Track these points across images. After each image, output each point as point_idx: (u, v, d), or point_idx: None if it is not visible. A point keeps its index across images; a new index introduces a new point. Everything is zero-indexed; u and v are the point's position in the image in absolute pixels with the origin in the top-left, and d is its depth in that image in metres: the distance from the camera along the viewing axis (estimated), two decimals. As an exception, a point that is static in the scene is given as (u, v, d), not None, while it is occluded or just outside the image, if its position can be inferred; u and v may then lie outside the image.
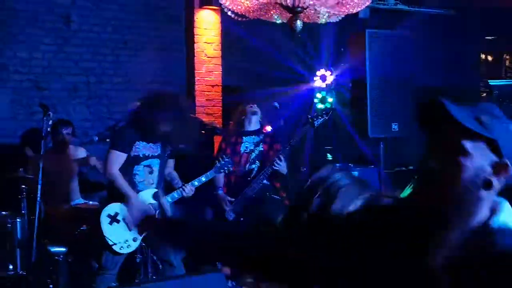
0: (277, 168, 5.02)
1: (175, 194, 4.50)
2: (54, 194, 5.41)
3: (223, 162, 4.72)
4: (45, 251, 4.88)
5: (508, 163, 1.38)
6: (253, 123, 5.24)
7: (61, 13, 6.63)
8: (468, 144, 1.38)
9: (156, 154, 4.47)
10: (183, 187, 4.50)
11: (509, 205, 1.44)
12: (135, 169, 4.42)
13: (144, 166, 4.44)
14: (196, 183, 4.58)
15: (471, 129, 1.37)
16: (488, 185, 1.37)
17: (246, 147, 5.22)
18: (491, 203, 1.40)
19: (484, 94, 7.19)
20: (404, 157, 6.46)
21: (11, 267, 4.88)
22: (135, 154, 4.40)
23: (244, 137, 5.23)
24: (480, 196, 1.38)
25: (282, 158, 5.01)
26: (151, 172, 4.47)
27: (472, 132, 1.37)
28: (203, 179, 4.62)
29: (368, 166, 6.23)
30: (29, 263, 4.73)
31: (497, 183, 1.38)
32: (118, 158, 4.37)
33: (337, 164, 6.33)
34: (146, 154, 4.44)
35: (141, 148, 4.42)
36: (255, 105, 5.27)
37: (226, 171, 4.84)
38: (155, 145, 4.46)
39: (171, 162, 4.69)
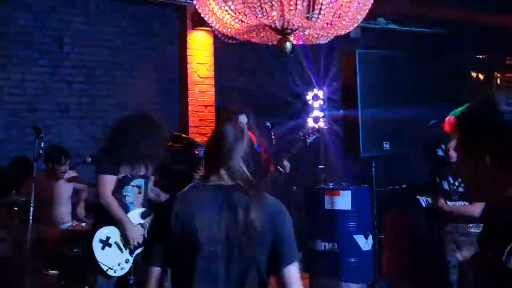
0: (283, 171, 5.03)
1: None
2: (46, 216, 5.41)
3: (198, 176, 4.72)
4: (38, 274, 4.87)
5: None
6: None
7: (55, 35, 6.68)
8: None
9: (142, 174, 4.50)
10: None
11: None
12: (125, 190, 4.44)
13: (133, 186, 4.47)
14: None
15: None
16: None
17: None
18: None
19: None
20: (396, 176, 6.48)
21: (3, 290, 4.87)
22: (123, 175, 4.42)
23: None
24: None
25: (285, 161, 5.04)
26: (139, 192, 4.50)
27: None
28: None
29: (361, 185, 6.24)
30: (22, 286, 4.71)
31: None
32: (109, 181, 4.39)
33: (330, 184, 6.34)
34: (134, 174, 4.46)
35: (128, 169, 4.44)
36: (247, 115, 5.22)
37: None
38: (139, 166, 4.49)
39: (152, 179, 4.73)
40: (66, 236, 5.37)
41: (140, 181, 4.51)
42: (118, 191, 4.41)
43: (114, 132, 4.52)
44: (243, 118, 5.15)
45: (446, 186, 5.49)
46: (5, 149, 6.37)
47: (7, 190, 5.22)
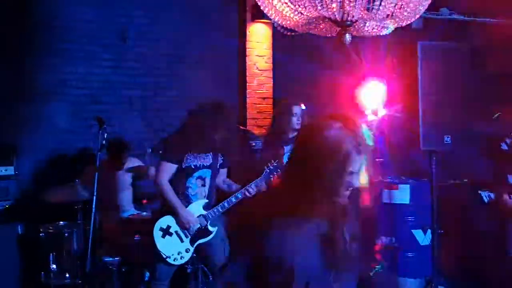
0: None
1: (239, 195, 4.55)
2: (108, 205, 5.56)
3: (272, 168, 4.73)
4: (99, 261, 5.03)
5: None
6: (294, 125, 5.22)
7: (118, 29, 6.83)
8: None
9: (207, 165, 4.55)
10: (247, 187, 4.53)
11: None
12: (188, 182, 4.51)
13: (197, 178, 4.53)
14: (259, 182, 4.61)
15: None
16: None
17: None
18: None
19: (543, 105, 6.96)
20: (457, 170, 6.34)
21: (67, 275, 5.04)
22: (187, 165, 4.49)
23: (285, 147, 5.23)
24: None
25: None
26: (203, 185, 4.55)
27: None
28: (253, 186, 4.63)
29: (420, 179, 6.14)
30: (84, 272, 4.88)
31: None
32: (167, 168, 4.48)
33: (389, 177, 6.26)
34: (198, 165, 4.52)
35: (192, 159, 4.50)
36: (301, 106, 5.27)
37: (275, 175, 4.80)
38: (206, 156, 4.54)
39: (224, 171, 4.76)
40: (126, 224, 5.51)
41: (205, 172, 4.55)
42: (181, 182, 4.49)
43: (183, 120, 4.63)
44: (298, 109, 5.21)
45: (511, 180, 5.34)
46: (69, 140, 6.57)
47: (72, 180, 5.40)
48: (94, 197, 4.81)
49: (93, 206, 4.81)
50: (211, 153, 4.56)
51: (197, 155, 4.51)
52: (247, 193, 4.52)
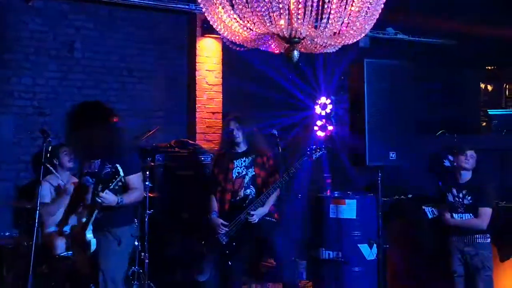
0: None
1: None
2: (49, 219, 5.42)
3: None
4: (42, 278, 4.90)
5: None
6: (234, 139, 5.26)
7: (66, 41, 6.74)
8: None
9: (91, 172, 4.32)
10: None
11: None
12: None
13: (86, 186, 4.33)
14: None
15: None
16: None
17: (238, 173, 5.25)
18: None
19: (484, 124, 7.21)
20: (402, 186, 6.47)
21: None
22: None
23: (235, 161, 5.25)
24: None
25: (270, 193, 5.10)
26: (86, 193, 4.31)
27: None
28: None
29: (366, 194, 6.23)
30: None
31: None
32: None
33: (336, 192, 6.34)
34: (84, 171, 4.38)
35: (86, 166, 4.39)
36: (237, 119, 5.29)
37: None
38: (93, 162, 4.33)
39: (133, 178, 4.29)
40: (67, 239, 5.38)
41: (87, 180, 4.27)
42: None
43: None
44: (233, 124, 5.25)
45: (450, 198, 5.47)
46: (14, 153, 6.42)
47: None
48: (37, 212, 4.68)
49: (36, 221, 4.67)
50: (99, 160, 4.25)
51: (87, 163, 4.34)
52: None
